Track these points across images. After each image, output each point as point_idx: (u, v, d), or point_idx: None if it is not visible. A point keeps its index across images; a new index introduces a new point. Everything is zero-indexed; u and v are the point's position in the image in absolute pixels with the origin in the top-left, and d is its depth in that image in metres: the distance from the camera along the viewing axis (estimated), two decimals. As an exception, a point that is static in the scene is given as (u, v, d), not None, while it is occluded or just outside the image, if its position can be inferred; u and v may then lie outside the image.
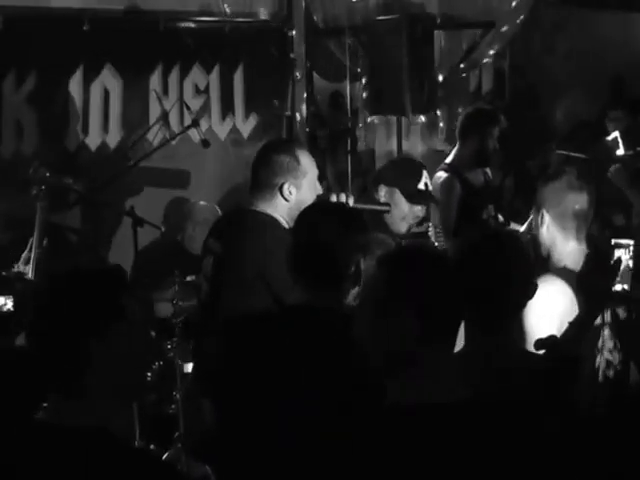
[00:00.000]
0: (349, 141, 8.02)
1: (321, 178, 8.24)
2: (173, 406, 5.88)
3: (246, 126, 7.81)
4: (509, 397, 2.81)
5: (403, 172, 4.97)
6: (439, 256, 2.79)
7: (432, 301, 2.46)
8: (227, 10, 7.48)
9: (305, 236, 3.39)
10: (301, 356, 3.09)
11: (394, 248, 3.05)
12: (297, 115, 7.89)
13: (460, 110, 7.73)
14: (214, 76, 7.60)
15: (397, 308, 2.45)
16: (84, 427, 2.40)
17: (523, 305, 3.17)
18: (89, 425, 2.41)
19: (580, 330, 3.51)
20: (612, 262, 3.76)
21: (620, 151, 7.47)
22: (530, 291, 3.13)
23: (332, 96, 8.64)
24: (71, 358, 2.41)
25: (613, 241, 4.54)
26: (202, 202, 7.03)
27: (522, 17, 8.33)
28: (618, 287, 4.32)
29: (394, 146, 7.74)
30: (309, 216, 3.55)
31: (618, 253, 4.43)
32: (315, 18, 8.03)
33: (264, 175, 4.25)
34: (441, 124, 8.50)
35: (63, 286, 2.48)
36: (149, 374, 5.97)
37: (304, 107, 7.95)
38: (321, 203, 4.07)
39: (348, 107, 8.01)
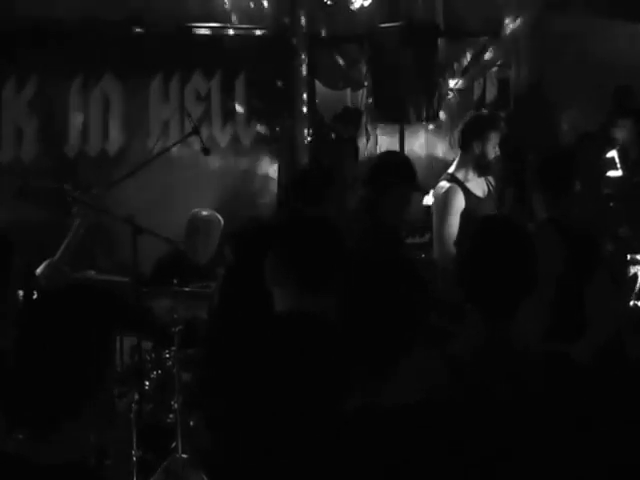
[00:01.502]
0: (352, 149, 7.95)
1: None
2: (171, 415, 5.81)
3: (247, 134, 7.77)
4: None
5: None
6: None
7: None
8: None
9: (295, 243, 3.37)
10: (299, 363, 3.06)
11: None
12: (300, 124, 7.86)
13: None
14: (215, 83, 7.57)
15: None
16: (62, 464, 2.19)
17: (528, 292, 3.09)
18: (68, 460, 2.21)
19: (593, 348, 3.47)
20: (627, 278, 3.67)
21: (617, 172, 7.42)
22: (534, 278, 3.06)
23: (343, 112, 8.59)
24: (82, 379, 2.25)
25: (628, 257, 4.49)
26: (205, 212, 6.96)
27: (528, 26, 8.28)
28: (632, 303, 4.26)
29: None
30: (298, 224, 3.55)
31: (634, 269, 4.37)
32: (318, 26, 7.98)
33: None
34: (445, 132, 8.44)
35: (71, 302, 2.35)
36: (147, 383, 5.91)
37: (306, 115, 7.91)
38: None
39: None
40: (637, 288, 3.87)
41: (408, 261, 3.01)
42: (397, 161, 5.46)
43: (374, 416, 2.47)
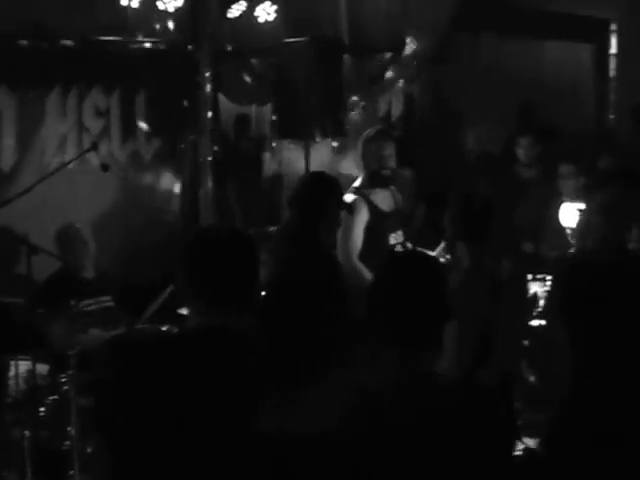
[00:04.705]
0: (255, 166, 7.86)
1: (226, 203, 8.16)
2: (67, 442, 5.62)
3: (148, 150, 7.61)
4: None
5: None
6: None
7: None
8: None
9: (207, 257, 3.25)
10: (203, 378, 2.99)
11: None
12: (203, 139, 7.73)
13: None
14: (115, 98, 7.40)
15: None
16: None
17: (442, 323, 3.03)
18: None
19: (497, 368, 3.46)
20: (528, 297, 3.67)
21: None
22: (449, 309, 2.99)
23: (237, 120, 8.48)
24: None
25: (529, 276, 4.46)
26: (76, 224, 6.78)
27: (432, 43, 8.29)
28: (535, 322, 4.25)
29: (302, 171, 7.61)
30: (210, 239, 3.41)
31: (534, 287, 4.35)
32: (222, 40, 7.86)
33: None
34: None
35: None
36: (42, 409, 5.72)
37: (209, 131, 7.78)
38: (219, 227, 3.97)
39: (255, 131, 7.86)
40: (538, 307, 3.86)
41: (337, 283, 2.94)
42: (329, 181, 5.46)
43: (282, 443, 2.38)
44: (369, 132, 6.15)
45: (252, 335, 2.93)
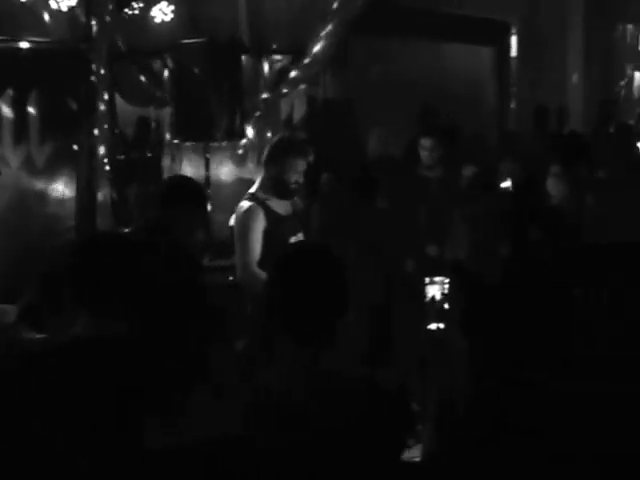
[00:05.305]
0: (155, 169, 7.71)
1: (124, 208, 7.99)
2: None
3: (41, 154, 7.41)
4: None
5: None
6: None
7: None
8: None
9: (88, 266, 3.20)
10: (90, 388, 2.94)
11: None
12: (99, 142, 7.54)
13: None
14: (5, 99, 7.18)
15: None
16: None
17: (338, 317, 2.94)
18: None
19: (397, 371, 3.45)
20: (426, 301, 3.68)
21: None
22: (345, 303, 2.92)
23: (138, 122, 8.31)
24: None
25: (427, 279, 4.42)
26: None
27: (334, 46, 8.25)
28: (433, 326, 4.21)
29: (202, 173, 7.49)
30: (89, 246, 3.33)
31: (432, 291, 4.31)
32: (117, 40, 7.69)
33: None
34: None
35: None
36: None
37: (107, 133, 7.60)
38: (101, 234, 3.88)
39: (154, 134, 7.71)
40: (436, 310, 3.85)
41: (200, 287, 2.88)
42: (187, 184, 5.34)
43: (174, 455, 2.30)
44: (292, 141, 5.94)
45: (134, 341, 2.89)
